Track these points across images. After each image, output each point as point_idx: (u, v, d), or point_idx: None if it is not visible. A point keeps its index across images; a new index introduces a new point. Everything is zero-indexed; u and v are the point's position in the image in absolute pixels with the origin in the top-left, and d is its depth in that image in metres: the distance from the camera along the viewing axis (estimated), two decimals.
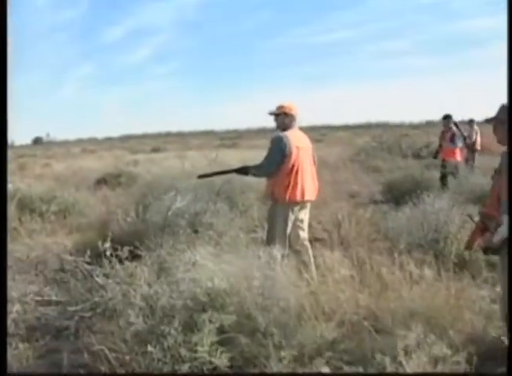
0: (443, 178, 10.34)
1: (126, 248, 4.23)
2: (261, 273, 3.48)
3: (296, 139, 5.21)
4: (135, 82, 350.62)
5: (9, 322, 4.36)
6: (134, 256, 4.44)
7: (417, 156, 20.30)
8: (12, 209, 8.26)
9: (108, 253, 4.12)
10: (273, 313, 3.31)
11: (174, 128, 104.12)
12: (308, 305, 3.62)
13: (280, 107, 5.33)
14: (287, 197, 5.07)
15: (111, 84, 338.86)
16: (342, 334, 3.50)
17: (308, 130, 11.80)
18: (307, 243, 5.41)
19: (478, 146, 13.80)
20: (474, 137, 13.63)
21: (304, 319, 3.49)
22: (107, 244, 4.10)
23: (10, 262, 6.74)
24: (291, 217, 5.18)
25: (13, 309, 4.58)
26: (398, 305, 3.79)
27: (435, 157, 11.48)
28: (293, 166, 5.09)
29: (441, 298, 3.84)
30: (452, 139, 10.33)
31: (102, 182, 14.47)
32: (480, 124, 13.49)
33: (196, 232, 5.68)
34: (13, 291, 5.60)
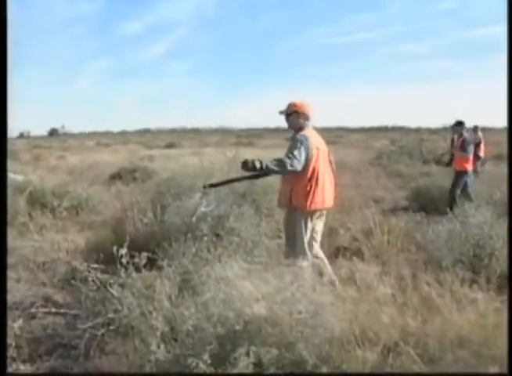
0: (452, 192, 9.62)
1: (144, 254, 3.77)
2: (302, 295, 2.97)
3: (315, 139, 4.76)
4: (151, 77, 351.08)
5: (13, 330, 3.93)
6: (152, 262, 3.96)
7: (439, 162, 19.69)
8: (21, 203, 7.84)
9: (124, 260, 3.66)
10: (317, 343, 2.80)
11: (188, 125, 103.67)
12: (350, 329, 3.11)
13: (291, 106, 4.86)
14: (308, 205, 4.63)
15: (127, 78, 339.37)
16: (386, 362, 3.01)
17: (323, 131, 11.38)
18: (321, 254, 4.97)
19: (482, 154, 13.37)
20: (478, 144, 12.98)
21: (348, 346, 2.99)
22: (123, 250, 3.64)
23: (17, 259, 6.33)
24: (310, 226, 4.75)
25: (17, 315, 4.15)
26: (445, 331, 3.27)
27: (448, 164, 10.75)
28: (313, 170, 4.65)
29: (491, 324, 3.33)
30: (463, 147, 9.43)
31: (116, 177, 14.10)
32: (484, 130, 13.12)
33: (217, 236, 5.17)
34: (18, 292, 5.19)
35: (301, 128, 4.78)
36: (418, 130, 66.61)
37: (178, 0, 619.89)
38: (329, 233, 6.83)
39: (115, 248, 3.71)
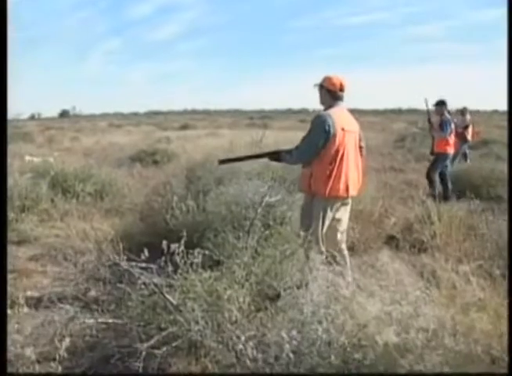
0: (443, 177, 9.08)
1: (198, 251, 3.20)
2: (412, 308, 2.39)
3: (341, 119, 4.19)
4: (161, 59, 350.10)
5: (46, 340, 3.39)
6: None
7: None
8: (44, 188, 7.29)
9: (179, 259, 3.10)
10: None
11: (199, 106, 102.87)
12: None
13: (323, 80, 4.34)
14: (327, 191, 4.09)
15: (138, 60, 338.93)
16: None
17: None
18: (344, 247, 4.38)
19: (469, 137, 12.66)
20: (466, 127, 12.46)
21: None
22: (180, 246, 3.08)
23: (41, 250, 5.82)
24: (329, 215, 4.20)
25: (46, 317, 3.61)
26: None
27: (432, 152, 9.66)
28: (336, 153, 4.11)
29: None
30: (441, 127, 8.88)
31: (136, 159, 13.58)
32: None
33: (268, 227, 4.57)
34: (46, 290, 4.67)
35: (330, 106, 4.28)
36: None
37: None
38: (375, 220, 6.27)
39: (165, 243, 3.14)
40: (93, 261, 4.57)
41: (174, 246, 3.13)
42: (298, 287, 2.79)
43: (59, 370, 2.46)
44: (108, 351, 3.20)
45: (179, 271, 3.11)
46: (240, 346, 2.32)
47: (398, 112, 73.41)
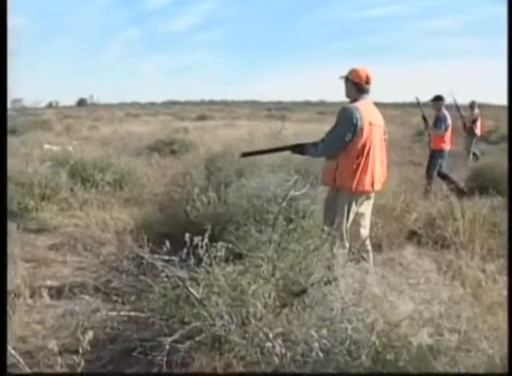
0: (428, 173, 9.02)
1: (221, 244, 3.15)
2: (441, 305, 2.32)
3: (369, 112, 4.11)
4: (178, 49, 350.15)
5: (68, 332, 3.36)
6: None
7: (485, 140, 18.75)
8: (63, 177, 7.29)
9: (202, 252, 3.05)
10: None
11: (216, 97, 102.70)
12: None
13: (349, 72, 4.24)
14: (354, 186, 4.01)
15: (155, 50, 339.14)
16: None
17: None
18: (368, 242, 4.31)
19: (478, 131, 12.48)
20: (474, 121, 12.33)
21: None
22: (204, 239, 3.04)
23: (61, 239, 5.81)
24: (354, 209, 4.13)
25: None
26: None
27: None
28: (363, 147, 4.02)
29: None
30: (435, 124, 8.77)
31: (153, 149, 13.53)
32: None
33: (290, 221, 4.50)
34: (66, 279, 4.66)
35: (355, 99, 4.19)
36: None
37: None
38: (397, 215, 6.18)
39: (187, 235, 3.09)
40: (115, 252, 4.54)
41: (197, 239, 3.09)
42: (326, 284, 2.73)
43: (82, 363, 2.40)
44: (129, 344, 3.17)
45: (202, 264, 3.07)
46: (268, 343, 2.26)
47: (414, 105, 72.32)
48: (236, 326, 2.57)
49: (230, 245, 3.28)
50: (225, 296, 2.80)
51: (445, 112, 8.78)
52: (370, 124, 4.03)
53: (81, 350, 2.37)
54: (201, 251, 3.06)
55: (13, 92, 8.68)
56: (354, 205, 4.10)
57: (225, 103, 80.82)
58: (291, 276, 2.95)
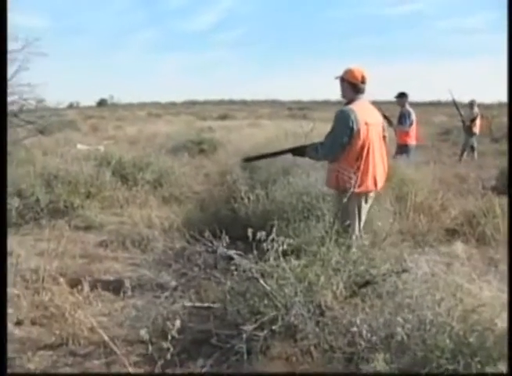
0: None
1: (283, 239, 3.25)
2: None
3: (364, 113, 4.10)
4: (197, 49, 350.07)
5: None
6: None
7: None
8: (108, 175, 7.47)
9: (267, 246, 3.16)
10: None
11: (235, 96, 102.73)
12: None
13: (344, 72, 4.24)
14: (356, 187, 4.00)
15: (174, 49, 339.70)
16: None
17: (379, 105, 11.00)
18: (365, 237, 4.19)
19: (477, 130, 12.58)
20: (473, 120, 12.49)
21: None
22: (272, 234, 3.16)
23: (108, 236, 5.95)
24: (365, 207, 4.17)
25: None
26: None
27: None
28: (362, 148, 4.03)
29: None
30: (399, 120, 9.13)
31: (182, 148, 13.68)
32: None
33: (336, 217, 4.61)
34: (119, 274, 4.80)
35: (351, 100, 4.20)
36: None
37: None
38: (435, 213, 6.25)
39: (250, 231, 3.20)
40: (170, 246, 4.67)
41: (260, 234, 3.20)
42: (397, 273, 2.84)
43: (171, 348, 2.52)
44: (198, 335, 3.30)
45: (265, 257, 3.18)
46: (354, 328, 2.37)
47: (436, 104, 71.81)
48: (310, 314, 2.68)
49: (291, 240, 3.38)
50: (295, 287, 2.91)
51: (409, 108, 9.11)
52: (366, 124, 4.03)
53: (169, 337, 2.49)
54: (266, 245, 3.16)
55: (40, 92, 8.89)
56: (363, 204, 4.13)
57: (244, 103, 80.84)
58: (359, 268, 3.05)
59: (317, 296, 2.84)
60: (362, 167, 4.02)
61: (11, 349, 3.32)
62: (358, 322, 2.40)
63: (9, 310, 3.76)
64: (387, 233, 4.33)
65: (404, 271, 2.81)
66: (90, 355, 3.26)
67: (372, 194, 4.22)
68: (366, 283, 3.02)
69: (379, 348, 2.30)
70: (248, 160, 4.97)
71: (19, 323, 3.69)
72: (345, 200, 4.00)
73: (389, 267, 2.89)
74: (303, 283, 2.96)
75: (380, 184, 4.20)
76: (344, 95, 4.29)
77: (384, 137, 4.44)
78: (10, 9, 3.69)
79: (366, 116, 4.09)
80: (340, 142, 4.01)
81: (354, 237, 3.90)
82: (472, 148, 12.79)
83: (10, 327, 3.62)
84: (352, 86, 4.18)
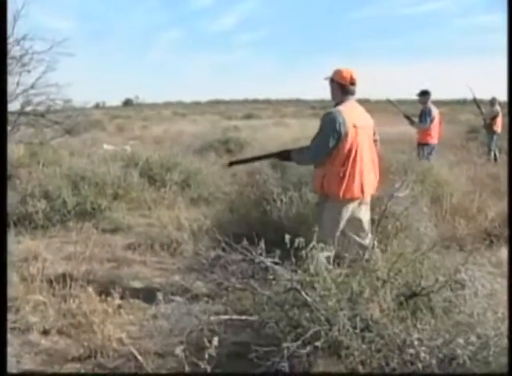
0: None
1: (323, 246, 3.04)
2: None
3: (353, 115, 3.87)
4: (222, 49, 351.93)
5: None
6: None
7: None
8: (135, 177, 7.35)
9: (305, 254, 2.96)
10: None
11: (259, 96, 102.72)
12: None
13: (333, 73, 4.02)
14: (341, 193, 3.78)
15: (198, 49, 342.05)
16: None
17: (403, 104, 10.79)
18: (379, 254, 3.81)
19: (498, 128, 12.13)
20: (493, 117, 12.09)
21: None
22: (313, 241, 2.96)
23: (136, 239, 5.80)
24: (344, 216, 3.88)
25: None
26: None
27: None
28: (349, 152, 3.79)
29: None
30: (420, 118, 8.83)
31: (208, 148, 13.55)
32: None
33: (372, 221, 4.36)
34: (149, 280, 4.64)
35: (340, 101, 3.97)
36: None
37: None
38: (472, 216, 5.99)
39: (287, 237, 2.99)
40: (198, 252, 4.48)
41: (298, 240, 3.00)
42: (452, 289, 2.61)
43: (208, 369, 2.33)
44: (232, 347, 3.12)
45: (304, 266, 2.98)
46: (411, 350, 2.15)
47: (463, 103, 70.83)
48: (357, 329, 2.47)
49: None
50: (338, 299, 2.71)
51: (431, 106, 8.80)
52: (355, 126, 3.81)
53: (206, 356, 2.30)
54: (305, 253, 2.96)
55: (67, 92, 8.83)
56: (344, 213, 3.88)
57: (268, 102, 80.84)
58: (408, 281, 2.83)
59: (362, 309, 2.62)
60: (348, 172, 3.79)
61: (38, 361, 3.19)
62: (415, 342, 2.17)
63: (35, 318, 3.65)
64: (430, 239, 4.08)
65: (459, 284, 2.57)
66: (119, 368, 3.09)
67: (357, 204, 3.95)
68: (414, 295, 2.80)
69: (435, 371, 2.08)
70: (233, 163, 4.79)
71: (45, 333, 3.54)
72: (329, 205, 3.85)
73: (440, 278, 2.65)
74: (346, 295, 2.75)
75: (369, 191, 3.98)
76: (333, 97, 4.09)
77: (375, 141, 4.23)
78: (39, 11, 3.57)
79: (355, 118, 3.88)
80: (327, 146, 3.78)
81: (330, 242, 3.62)
82: (489, 148, 12.47)
83: (37, 336, 3.49)
84: (341, 87, 3.98)
